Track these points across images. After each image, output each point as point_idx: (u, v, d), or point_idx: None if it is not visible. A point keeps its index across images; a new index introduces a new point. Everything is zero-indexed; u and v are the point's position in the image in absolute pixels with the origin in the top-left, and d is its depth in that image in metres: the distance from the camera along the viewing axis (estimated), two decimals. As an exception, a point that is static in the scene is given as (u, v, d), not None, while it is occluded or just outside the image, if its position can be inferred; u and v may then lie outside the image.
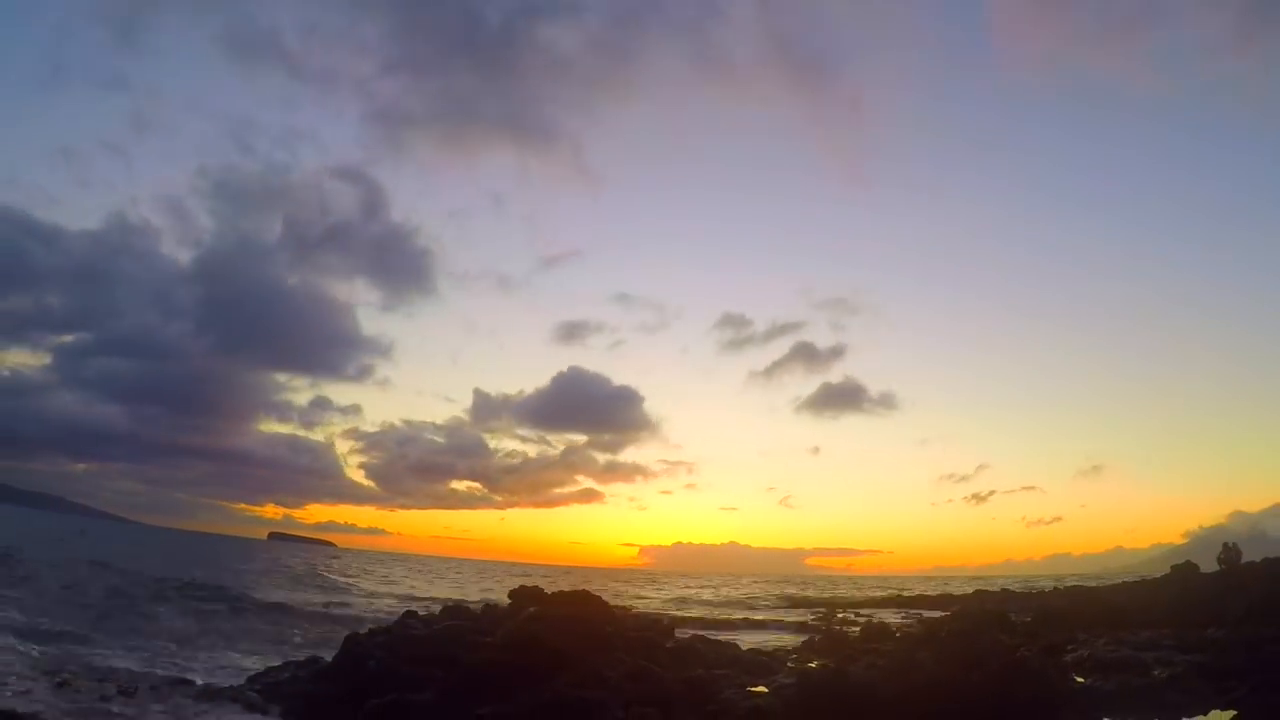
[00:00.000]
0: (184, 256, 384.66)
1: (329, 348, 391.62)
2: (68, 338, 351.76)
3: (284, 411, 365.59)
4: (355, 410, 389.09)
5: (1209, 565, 31.72)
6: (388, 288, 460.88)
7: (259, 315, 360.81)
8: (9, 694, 14.16)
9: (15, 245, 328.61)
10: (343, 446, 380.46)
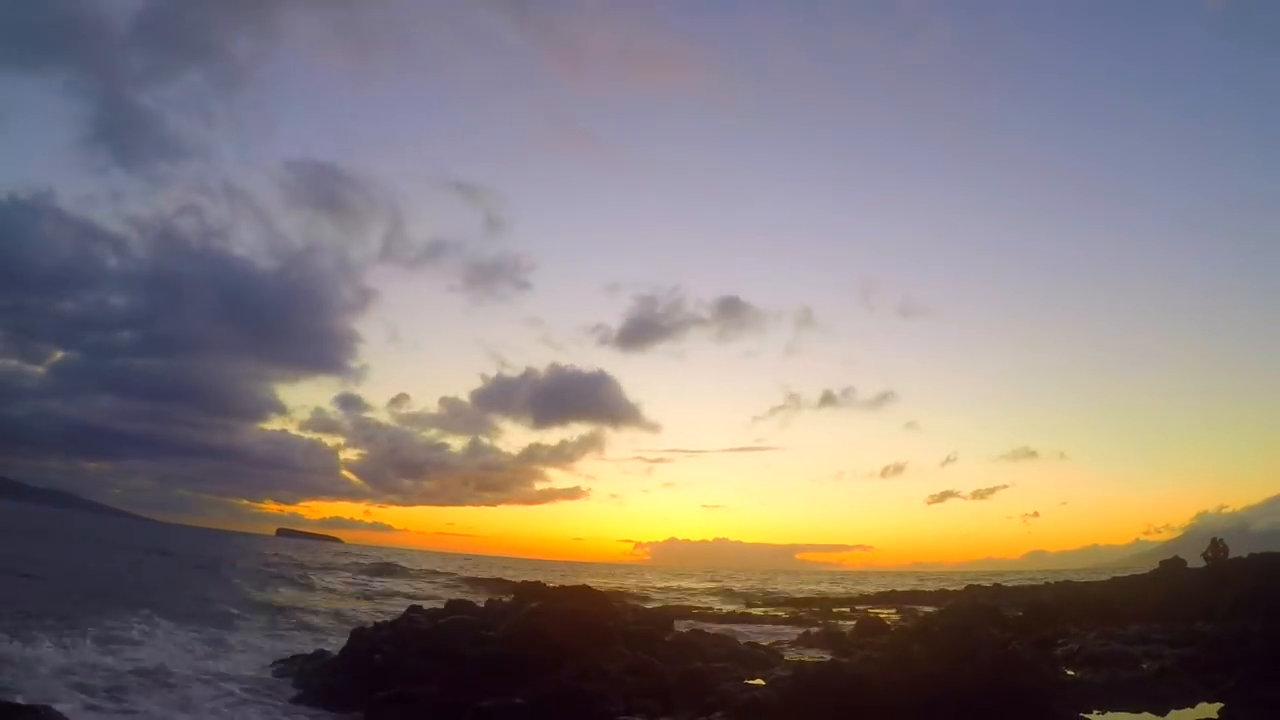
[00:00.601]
0: (244, 257, 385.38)
1: (349, 349, 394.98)
2: (116, 335, 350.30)
3: (293, 411, 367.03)
4: (363, 408, 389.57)
5: (1193, 562, 31.70)
6: (477, 292, 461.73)
7: (290, 317, 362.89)
8: (21, 683, 14.09)
9: (78, 245, 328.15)
10: (345, 444, 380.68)
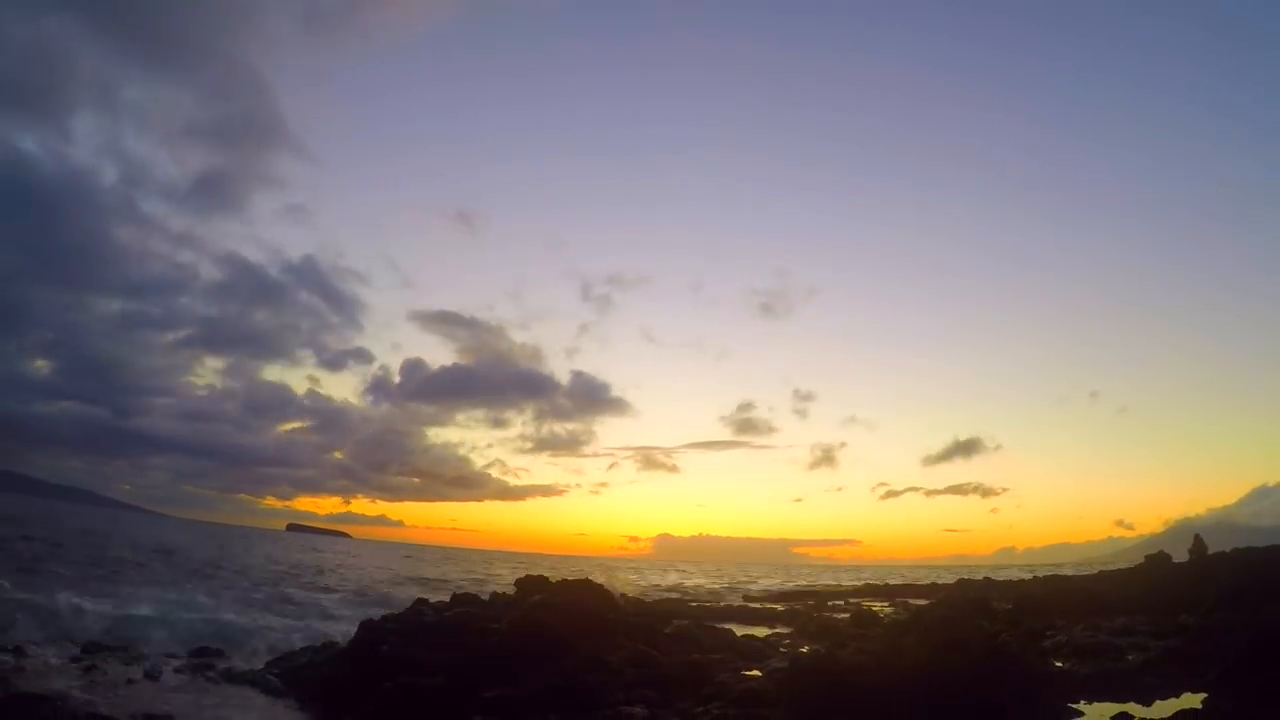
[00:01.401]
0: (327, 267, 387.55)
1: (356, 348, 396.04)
2: (158, 336, 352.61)
3: (295, 408, 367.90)
4: (362, 406, 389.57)
5: (1178, 558, 31.56)
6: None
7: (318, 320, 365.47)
8: (36, 675, 14.06)
9: (155, 248, 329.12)
10: (343, 441, 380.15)
